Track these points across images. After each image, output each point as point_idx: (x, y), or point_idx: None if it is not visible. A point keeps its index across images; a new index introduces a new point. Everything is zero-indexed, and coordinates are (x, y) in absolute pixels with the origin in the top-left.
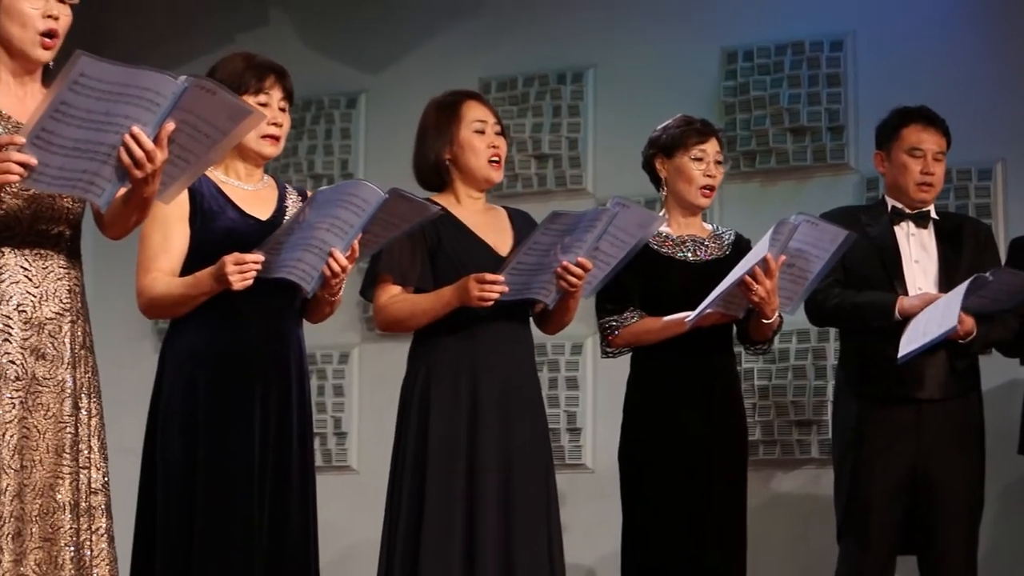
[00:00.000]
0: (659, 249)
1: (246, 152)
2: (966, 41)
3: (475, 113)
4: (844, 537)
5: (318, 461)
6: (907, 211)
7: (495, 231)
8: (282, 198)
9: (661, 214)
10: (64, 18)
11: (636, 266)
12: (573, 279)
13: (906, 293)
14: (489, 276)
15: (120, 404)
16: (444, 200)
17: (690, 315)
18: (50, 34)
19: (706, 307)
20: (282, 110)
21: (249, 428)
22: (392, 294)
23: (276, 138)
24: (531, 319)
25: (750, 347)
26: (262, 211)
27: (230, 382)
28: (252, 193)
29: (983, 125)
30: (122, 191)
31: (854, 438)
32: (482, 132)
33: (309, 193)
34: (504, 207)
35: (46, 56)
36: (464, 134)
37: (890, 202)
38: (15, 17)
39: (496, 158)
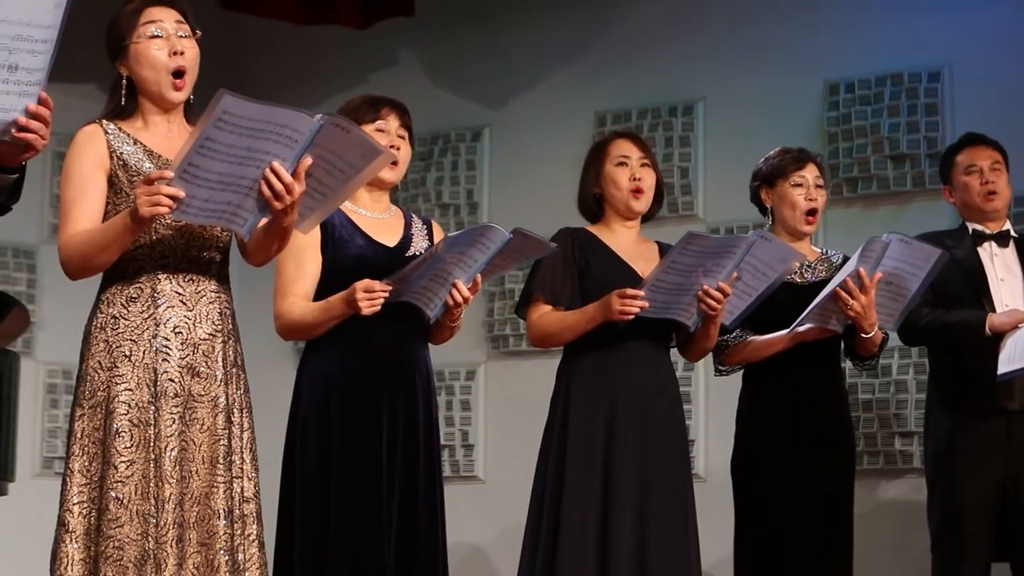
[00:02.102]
0: None
1: None
2: None
3: (619, 149)
4: (939, 548)
5: (447, 471)
6: (987, 231)
7: (643, 259)
8: (408, 226)
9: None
10: (190, 51)
11: None
12: (712, 302)
13: (994, 311)
14: (630, 291)
15: (270, 419)
16: (599, 230)
17: (790, 331)
18: (179, 73)
19: (802, 320)
20: (400, 137)
21: (378, 443)
22: (543, 311)
23: (395, 162)
24: (676, 347)
25: (857, 362)
26: (390, 238)
27: (361, 401)
28: (380, 221)
29: None
30: (263, 222)
31: (946, 451)
32: (625, 165)
33: (433, 222)
34: (656, 241)
35: (179, 96)
36: (608, 168)
37: (970, 226)
38: (144, 61)
39: (638, 188)
